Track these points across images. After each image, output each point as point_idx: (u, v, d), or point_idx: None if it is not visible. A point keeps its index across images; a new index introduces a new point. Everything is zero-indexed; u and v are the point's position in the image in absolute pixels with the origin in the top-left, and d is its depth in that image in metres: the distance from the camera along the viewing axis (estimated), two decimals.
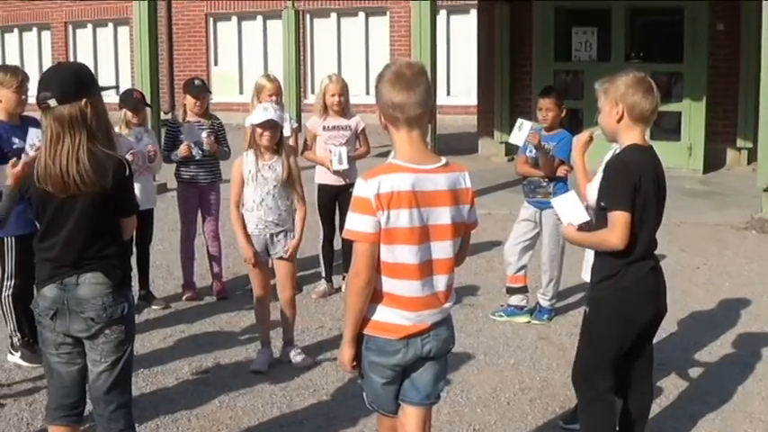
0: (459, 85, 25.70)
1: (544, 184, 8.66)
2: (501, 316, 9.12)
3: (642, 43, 19.51)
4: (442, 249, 4.53)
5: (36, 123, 7.50)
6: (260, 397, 7.14)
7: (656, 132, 17.94)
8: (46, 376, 5.36)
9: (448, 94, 26.11)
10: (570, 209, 5.73)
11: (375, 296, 4.52)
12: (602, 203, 5.39)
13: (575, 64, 19.08)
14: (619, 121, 5.37)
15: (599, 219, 5.47)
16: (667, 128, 18.46)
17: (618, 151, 5.57)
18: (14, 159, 5.42)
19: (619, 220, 5.24)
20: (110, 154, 4.90)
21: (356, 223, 4.42)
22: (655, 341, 8.12)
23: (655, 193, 5.33)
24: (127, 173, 4.95)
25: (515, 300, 9.11)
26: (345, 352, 4.66)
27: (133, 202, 5.16)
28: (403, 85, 4.45)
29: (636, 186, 5.22)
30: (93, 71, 5.19)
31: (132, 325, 5.21)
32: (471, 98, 22.33)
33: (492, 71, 20.04)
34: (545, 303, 9.02)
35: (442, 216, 4.50)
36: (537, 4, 19.38)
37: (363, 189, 4.39)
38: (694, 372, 7.68)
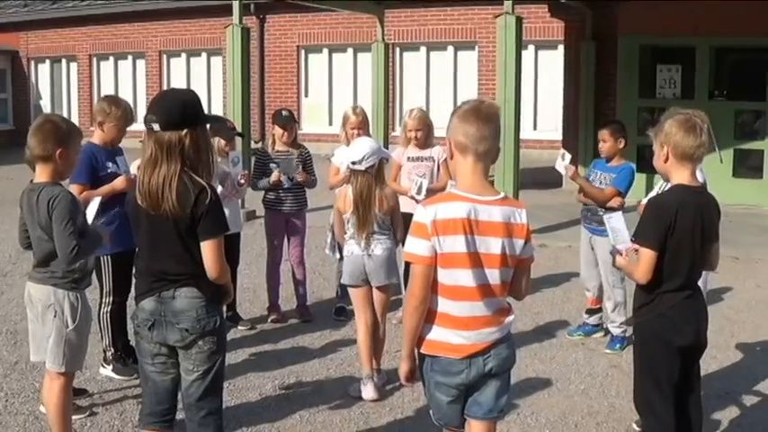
0: (546, 120, 25.84)
1: (600, 212, 8.85)
2: (579, 335, 9.55)
3: (726, 81, 19.55)
4: (492, 276, 4.83)
5: (122, 152, 7.98)
6: (338, 413, 7.46)
7: (739, 170, 18.16)
8: (141, 384, 5.77)
9: (534, 128, 26.31)
10: (620, 229, 5.99)
11: (431, 317, 4.88)
12: (633, 238, 5.70)
13: (659, 101, 19.11)
14: (666, 161, 5.64)
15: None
16: (751, 166, 18.57)
17: (665, 188, 5.86)
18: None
19: (644, 257, 5.56)
20: (196, 180, 5.19)
21: (413, 246, 4.79)
22: (722, 372, 8.40)
23: (691, 231, 5.55)
24: (208, 199, 5.18)
25: (594, 319, 9.61)
26: (403, 366, 5.06)
27: (210, 228, 5.23)
28: (481, 120, 4.81)
29: (670, 225, 5.49)
30: (201, 103, 5.48)
31: (223, 337, 5.55)
32: (558, 133, 22.46)
33: (577, 106, 20.28)
34: (616, 331, 9.22)
35: (494, 246, 4.79)
36: (622, 41, 19.60)
37: (422, 215, 4.77)
38: (757, 402, 7.84)
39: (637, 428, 6.85)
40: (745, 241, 14.50)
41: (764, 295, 11.49)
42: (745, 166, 18.60)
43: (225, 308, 8.98)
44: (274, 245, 10.34)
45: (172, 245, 5.25)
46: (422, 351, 4.98)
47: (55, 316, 6.27)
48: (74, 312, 6.32)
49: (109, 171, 7.87)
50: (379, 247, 8.01)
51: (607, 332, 9.43)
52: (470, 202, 4.76)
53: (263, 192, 10.26)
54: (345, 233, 8.11)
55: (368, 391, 7.79)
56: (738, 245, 13.86)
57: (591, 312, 9.62)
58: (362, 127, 10.07)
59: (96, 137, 8.02)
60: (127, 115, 8.00)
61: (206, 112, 5.55)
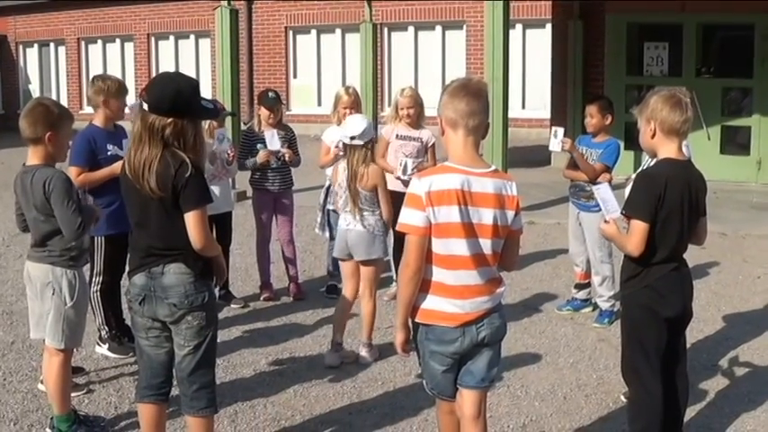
0: (535, 99, 25.96)
1: (588, 188, 9.00)
2: (568, 310, 9.70)
3: (713, 58, 19.61)
4: (485, 246, 4.96)
5: (126, 135, 7.99)
6: (331, 388, 7.58)
7: (726, 147, 18.25)
8: (137, 358, 5.92)
9: (523, 107, 26.41)
10: (609, 199, 6.08)
11: (425, 286, 4.99)
12: (624, 211, 5.80)
13: (646, 78, 19.15)
14: (653, 136, 5.76)
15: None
16: (738, 142, 18.66)
17: (651, 164, 5.97)
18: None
19: (636, 229, 5.66)
20: (177, 155, 5.25)
21: (408, 217, 4.92)
22: (709, 345, 8.53)
23: (680, 204, 5.67)
24: (188, 173, 5.23)
25: (582, 294, 9.73)
26: (398, 336, 5.18)
27: (191, 199, 5.29)
28: (470, 95, 4.95)
29: (659, 198, 5.60)
30: (198, 95, 5.44)
31: (213, 313, 5.64)
32: (546, 111, 22.51)
33: (565, 85, 20.29)
34: (604, 305, 9.33)
35: (486, 216, 4.92)
36: (609, 19, 19.63)
37: (416, 187, 4.89)
38: (744, 373, 7.97)
39: (624, 400, 6.96)
40: (733, 217, 14.63)
41: (751, 270, 11.61)
42: (733, 143, 18.69)
43: (218, 287, 9.11)
44: (263, 221, 10.42)
45: (160, 220, 5.35)
46: (416, 320, 5.09)
47: (53, 293, 6.38)
48: (72, 290, 6.42)
49: (109, 154, 7.88)
50: (361, 223, 8.15)
51: (596, 307, 9.55)
52: (463, 173, 4.89)
53: (251, 172, 10.34)
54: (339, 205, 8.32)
55: (330, 358, 8.18)
56: (726, 221, 14.00)
57: (579, 287, 9.75)
58: (355, 107, 10.13)
59: (99, 117, 8.03)
60: (117, 84, 8.10)
61: (202, 104, 5.51)
